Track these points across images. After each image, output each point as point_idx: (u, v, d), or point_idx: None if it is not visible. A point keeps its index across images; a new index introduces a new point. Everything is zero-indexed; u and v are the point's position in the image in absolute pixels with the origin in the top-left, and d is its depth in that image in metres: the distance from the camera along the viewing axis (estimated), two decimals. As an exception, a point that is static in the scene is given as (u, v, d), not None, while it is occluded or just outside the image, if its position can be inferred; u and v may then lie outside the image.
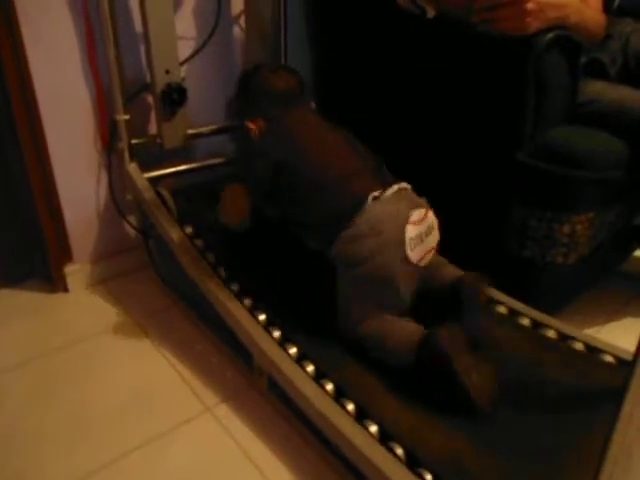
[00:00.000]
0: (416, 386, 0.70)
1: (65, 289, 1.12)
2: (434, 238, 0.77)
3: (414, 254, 0.73)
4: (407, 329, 0.73)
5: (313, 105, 0.94)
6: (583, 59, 0.99)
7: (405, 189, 0.78)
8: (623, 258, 1.11)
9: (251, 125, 0.87)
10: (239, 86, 0.95)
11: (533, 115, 0.87)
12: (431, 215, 0.76)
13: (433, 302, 0.79)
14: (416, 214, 0.74)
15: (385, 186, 0.76)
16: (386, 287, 0.73)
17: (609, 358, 0.78)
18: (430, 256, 0.77)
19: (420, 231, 0.74)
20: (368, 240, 0.72)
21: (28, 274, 1.14)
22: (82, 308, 1.08)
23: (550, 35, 0.83)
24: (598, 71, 1.03)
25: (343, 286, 0.77)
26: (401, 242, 0.72)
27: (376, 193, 0.74)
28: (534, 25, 0.81)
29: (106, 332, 1.01)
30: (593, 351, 0.79)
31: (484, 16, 0.83)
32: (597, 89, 0.97)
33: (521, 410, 0.69)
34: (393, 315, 0.75)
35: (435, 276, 0.80)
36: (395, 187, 0.76)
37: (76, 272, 1.12)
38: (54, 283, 1.12)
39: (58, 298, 1.11)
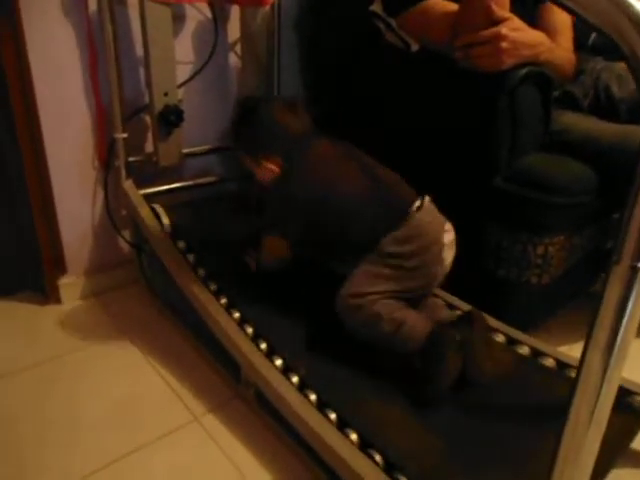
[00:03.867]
0: (398, 393, 0.75)
1: (58, 301, 1.14)
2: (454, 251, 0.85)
3: (447, 256, 0.82)
4: (421, 321, 0.78)
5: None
6: (558, 92, 1.07)
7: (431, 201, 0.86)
8: (595, 279, 1.16)
9: (269, 165, 0.86)
10: (244, 116, 0.90)
11: (509, 143, 0.93)
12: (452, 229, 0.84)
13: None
14: (447, 225, 0.84)
15: (420, 196, 0.83)
16: (419, 280, 0.81)
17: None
18: (450, 265, 0.84)
19: (450, 239, 0.83)
20: (414, 240, 0.80)
21: (21, 285, 1.16)
22: (74, 320, 1.10)
23: (523, 71, 0.89)
24: (571, 103, 1.10)
25: (369, 268, 0.81)
26: (440, 246, 0.81)
27: (417, 203, 0.82)
28: (508, 62, 0.87)
29: (97, 343, 1.03)
30: (563, 367, 0.84)
31: (463, 53, 0.90)
32: (569, 120, 1.04)
33: (495, 416, 0.74)
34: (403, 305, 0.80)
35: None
36: (427, 198, 0.84)
37: (70, 284, 1.15)
38: (47, 295, 1.14)
39: (51, 310, 1.13)
